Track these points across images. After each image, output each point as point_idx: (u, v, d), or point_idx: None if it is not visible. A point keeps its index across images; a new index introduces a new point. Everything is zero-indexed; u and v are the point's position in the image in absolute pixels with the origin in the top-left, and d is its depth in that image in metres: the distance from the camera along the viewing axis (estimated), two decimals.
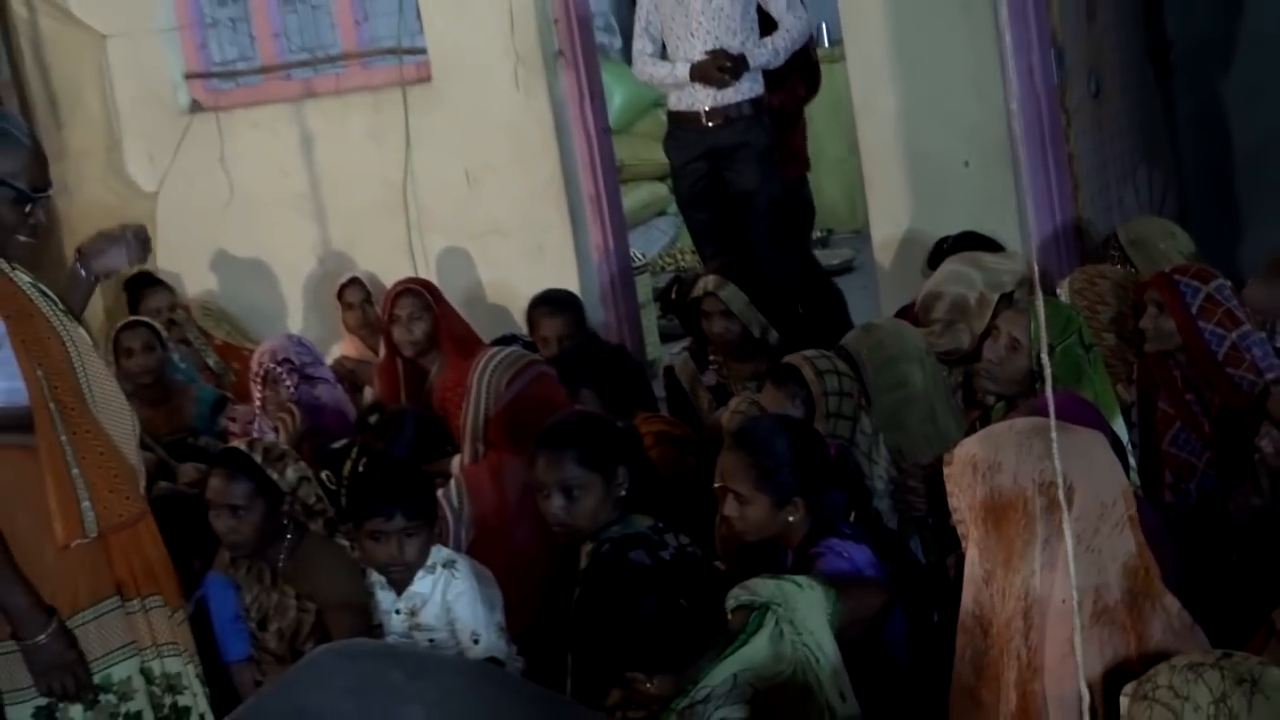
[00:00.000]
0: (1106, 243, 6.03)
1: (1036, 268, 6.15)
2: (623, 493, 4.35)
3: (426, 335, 6.30)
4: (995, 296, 5.57)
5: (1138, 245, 5.79)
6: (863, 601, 3.77)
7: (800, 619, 3.56)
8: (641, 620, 3.48)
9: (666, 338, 8.15)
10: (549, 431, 4.45)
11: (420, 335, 6.30)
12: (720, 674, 3.45)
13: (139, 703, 3.93)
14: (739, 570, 4.42)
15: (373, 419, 5.67)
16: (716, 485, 4.20)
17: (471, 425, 5.10)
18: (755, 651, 3.48)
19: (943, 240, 6.37)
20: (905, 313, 5.98)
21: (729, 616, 3.59)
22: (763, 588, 3.61)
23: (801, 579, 3.71)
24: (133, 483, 3.93)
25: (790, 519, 4.07)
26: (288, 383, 6.18)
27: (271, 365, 6.19)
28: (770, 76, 7.12)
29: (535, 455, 4.40)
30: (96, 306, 7.73)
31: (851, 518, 4.20)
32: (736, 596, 3.62)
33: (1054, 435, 2.68)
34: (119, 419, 3.94)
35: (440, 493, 4.90)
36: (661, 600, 3.52)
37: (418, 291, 6.35)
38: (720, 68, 6.86)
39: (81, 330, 3.99)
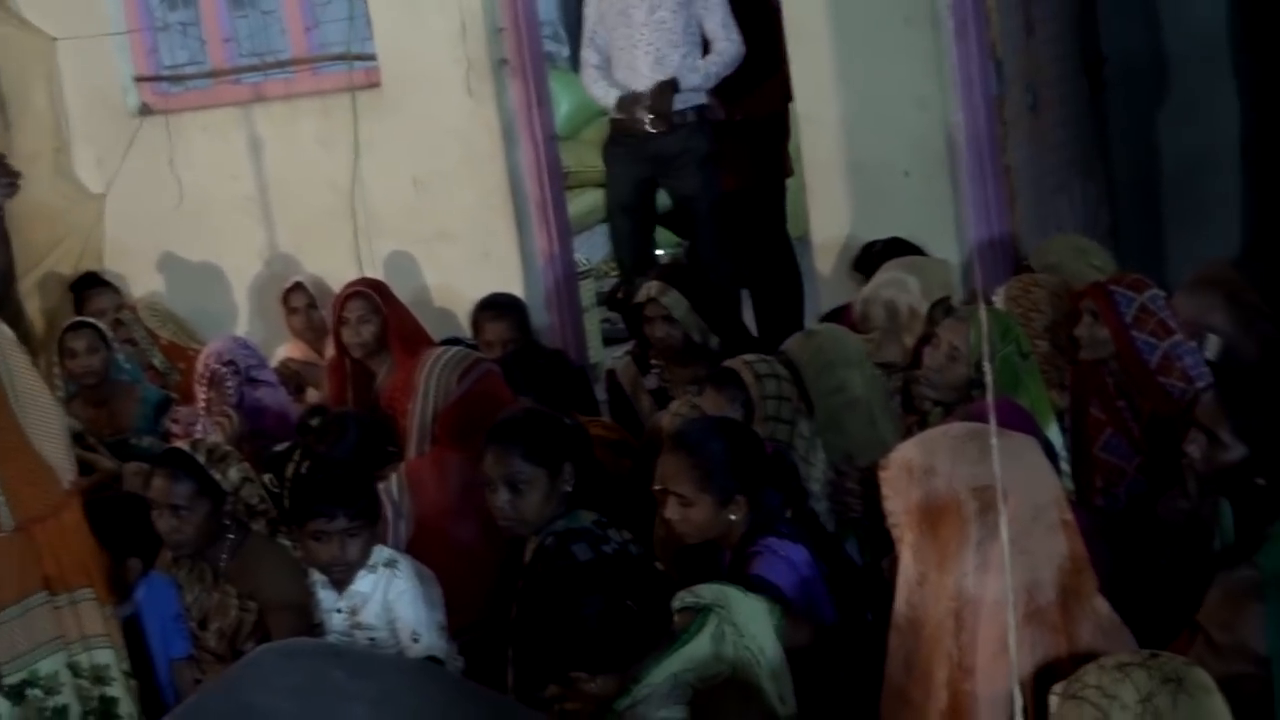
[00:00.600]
0: (1023, 268, 6.09)
1: (980, 275, 6.26)
2: (568, 489, 4.38)
3: (375, 337, 6.29)
4: (925, 307, 5.66)
5: (1053, 269, 5.86)
6: (793, 634, 3.76)
7: (743, 622, 3.57)
8: (586, 620, 3.51)
9: (610, 341, 8.19)
10: (497, 427, 4.50)
11: (368, 337, 6.29)
12: (661, 673, 3.46)
13: (65, 696, 3.95)
14: (678, 573, 4.48)
15: (314, 421, 5.68)
16: (656, 488, 4.25)
17: (419, 422, 5.13)
18: (696, 651, 3.49)
19: (871, 244, 6.45)
20: (840, 314, 6.06)
21: (674, 618, 3.63)
22: (707, 591, 3.63)
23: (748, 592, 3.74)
24: (52, 476, 3.96)
25: (733, 518, 4.09)
26: (230, 384, 6.18)
27: (217, 366, 6.19)
28: (741, 83, 7.22)
29: (484, 450, 4.45)
30: (37, 306, 7.74)
31: (788, 515, 4.25)
32: (682, 599, 3.63)
33: (994, 441, 2.74)
34: (43, 415, 3.98)
35: (381, 487, 4.92)
36: (607, 600, 3.55)
37: (367, 294, 6.35)
38: (643, 114, 6.99)
39: (4, 327, 4.02)
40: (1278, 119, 8.34)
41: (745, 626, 3.56)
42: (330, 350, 6.52)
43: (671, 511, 4.14)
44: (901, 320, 5.67)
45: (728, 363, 4.98)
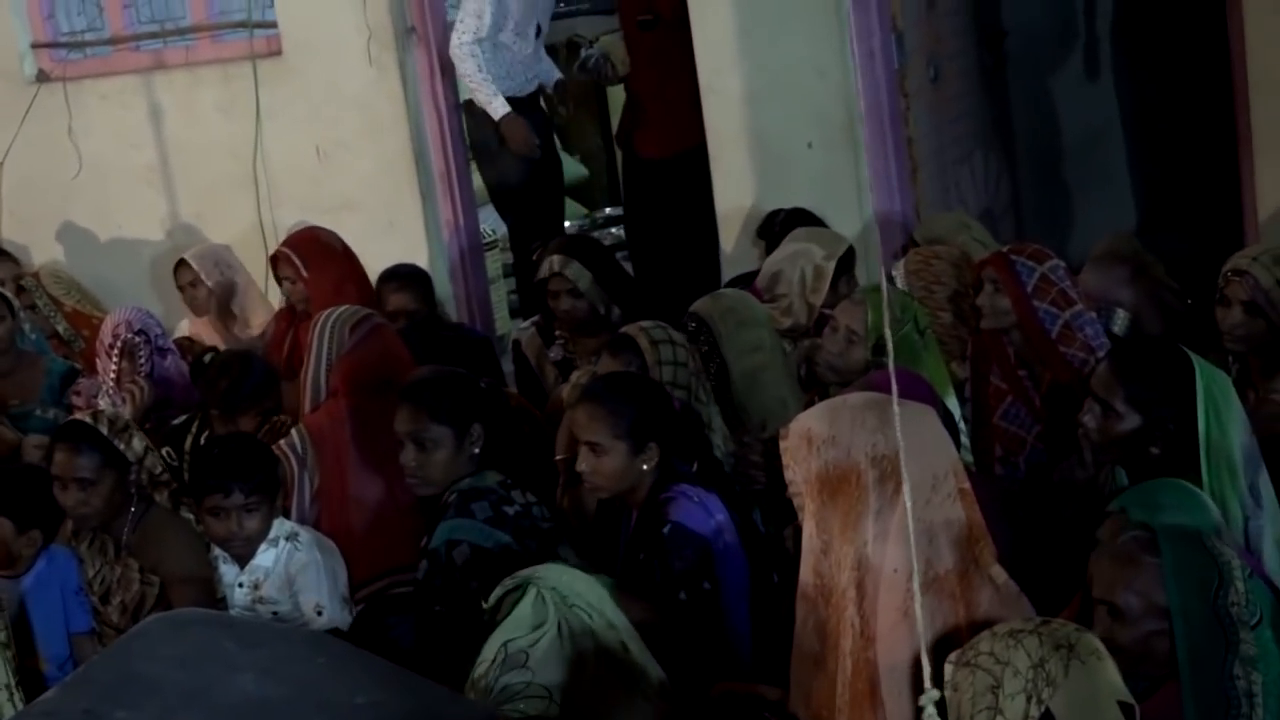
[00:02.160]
0: (908, 246, 6.11)
1: (881, 248, 6.29)
2: (476, 450, 4.40)
3: (304, 297, 6.44)
4: (832, 265, 5.69)
5: (936, 243, 5.89)
6: (630, 607, 3.68)
7: (563, 586, 3.48)
8: (396, 642, 3.50)
9: (516, 313, 8.19)
10: (409, 384, 4.53)
11: (298, 296, 6.47)
12: (491, 648, 3.38)
13: None
14: (586, 539, 4.50)
15: (207, 358, 5.66)
16: (559, 458, 4.24)
17: (313, 376, 5.13)
18: (518, 618, 3.41)
19: (775, 213, 6.47)
20: (742, 283, 6.08)
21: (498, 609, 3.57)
22: (521, 572, 3.56)
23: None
24: None
25: (645, 467, 4.11)
26: (143, 354, 6.12)
27: (129, 336, 6.10)
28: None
29: (396, 407, 4.47)
30: None
31: (694, 469, 4.26)
32: (503, 585, 3.57)
33: (895, 409, 2.76)
34: None
35: (284, 442, 4.92)
36: (418, 619, 3.56)
37: (287, 257, 6.48)
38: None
39: None
40: (1171, 93, 8.44)
41: (566, 589, 3.46)
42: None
43: (584, 463, 4.15)
44: (807, 284, 5.70)
45: (624, 329, 5.00)
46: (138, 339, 6.10)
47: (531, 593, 3.47)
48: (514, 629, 3.35)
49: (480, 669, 3.34)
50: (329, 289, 6.37)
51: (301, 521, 4.76)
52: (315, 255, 6.49)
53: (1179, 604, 3.06)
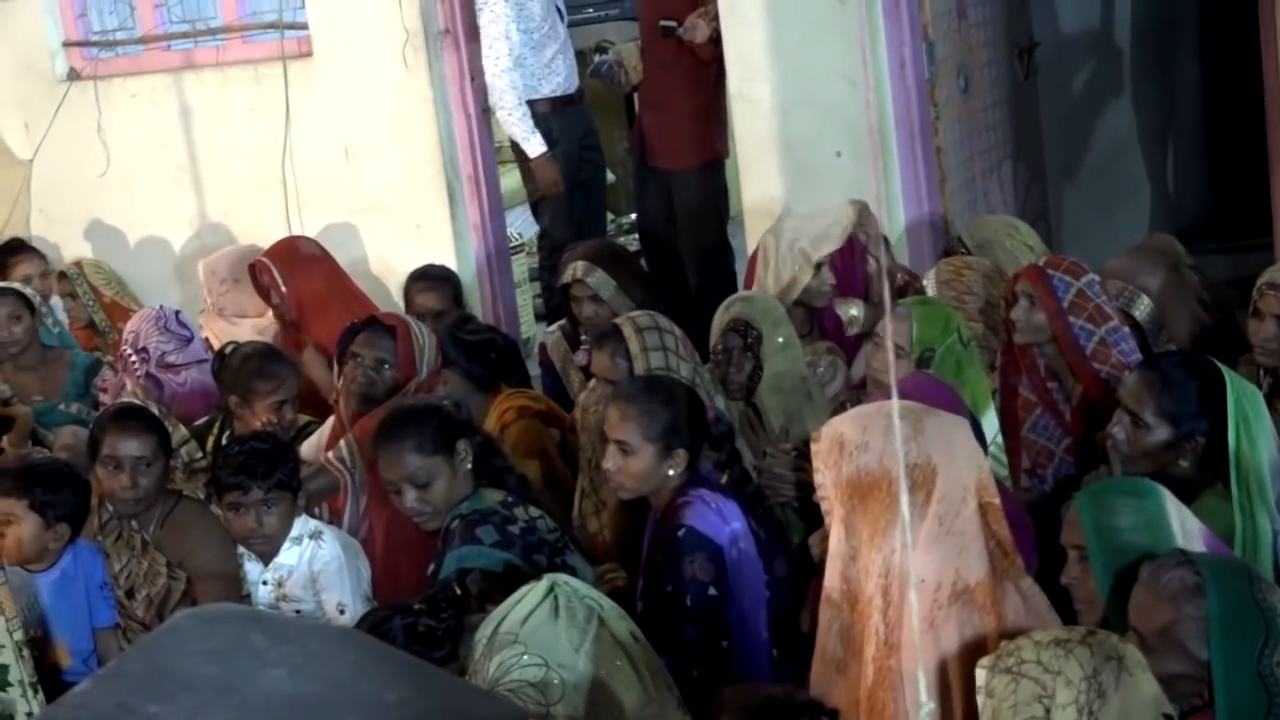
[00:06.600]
0: (952, 246, 6.09)
1: (908, 263, 6.24)
2: (468, 466, 4.34)
3: (288, 306, 6.41)
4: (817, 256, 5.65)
5: (984, 247, 5.83)
6: None
7: (575, 584, 3.36)
8: (392, 636, 3.48)
9: (542, 317, 8.20)
10: (380, 432, 4.42)
11: (282, 304, 6.42)
12: (483, 631, 3.27)
13: None
14: (616, 543, 4.49)
15: (227, 349, 5.67)
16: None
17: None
18: (507, 604, 3.29)
19: None
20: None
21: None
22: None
23: None
24: None
25: (670, 472, 4.11)
26: (139, 372, 6.08)
27: (128, 351, 6.12)
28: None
29: (376, 457, 4.39)
30: None
31: (723, 480, 4.27)
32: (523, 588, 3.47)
33: (903, 419, 2.74)
34: None
35: (331, 454, 4.90)
36: (404, 620, 3.56)
37: (267, 267, 6.44)
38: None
39: None
40: (1203, 105, 8.43)
41: (578, 587, 3.36)
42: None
43: (611, 461, 4.15)
44: (787, 264, 5.68)
45: (613, 321, 5.03)
46: (135, 357, 6.08)
47: (538, 587, 3.33)
48: (504, 610, 3.26)
49: (476, 652, 3.24)
50: (309, 299, 6.37)
51: (350, 534, 4.72)
52: (291, 265, 6.45)
53: (1220, 659, 2.99)
